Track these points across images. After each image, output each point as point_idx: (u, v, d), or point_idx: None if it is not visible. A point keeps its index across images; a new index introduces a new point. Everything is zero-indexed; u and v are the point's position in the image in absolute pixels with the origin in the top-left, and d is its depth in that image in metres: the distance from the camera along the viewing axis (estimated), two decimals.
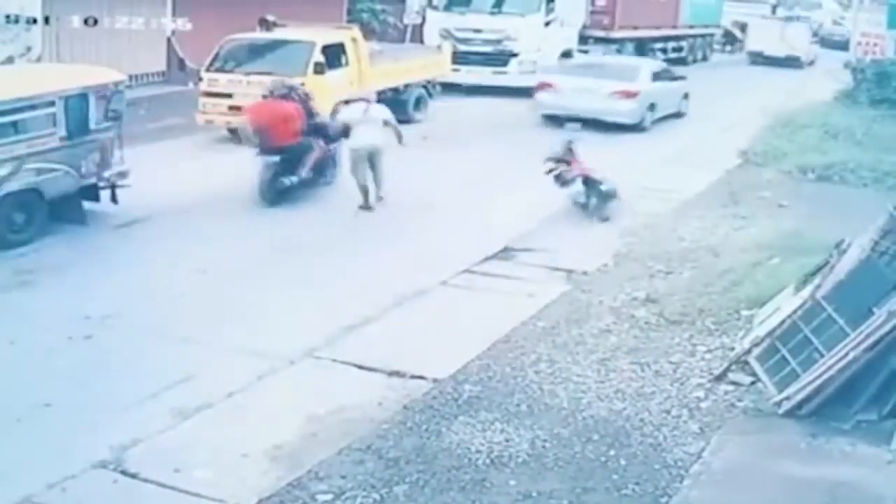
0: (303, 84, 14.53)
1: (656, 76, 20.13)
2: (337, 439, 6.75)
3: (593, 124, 16.79)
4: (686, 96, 21.25)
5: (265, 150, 12.80)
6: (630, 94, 18.77)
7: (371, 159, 12.79)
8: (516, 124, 18.87)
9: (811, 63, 34.20)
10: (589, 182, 12.56)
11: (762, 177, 15.50)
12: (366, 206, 12.76)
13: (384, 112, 13.21)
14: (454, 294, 9.95)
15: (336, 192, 13.72)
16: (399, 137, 13.21)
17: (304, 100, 13.51)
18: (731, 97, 23.67)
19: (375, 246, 11.27)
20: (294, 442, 6.73)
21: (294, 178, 12.88)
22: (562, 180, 12.61)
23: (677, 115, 20.77)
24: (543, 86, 19.66)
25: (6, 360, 7.88)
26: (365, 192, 12.77)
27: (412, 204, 13.12)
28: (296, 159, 12.91)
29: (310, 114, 13.43)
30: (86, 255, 10.60)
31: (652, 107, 19.41)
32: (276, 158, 12.75)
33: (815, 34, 36.10)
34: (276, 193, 12.73)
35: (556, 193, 13.60)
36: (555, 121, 17.27)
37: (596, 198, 12.59)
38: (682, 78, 21.61)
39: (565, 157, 12.69)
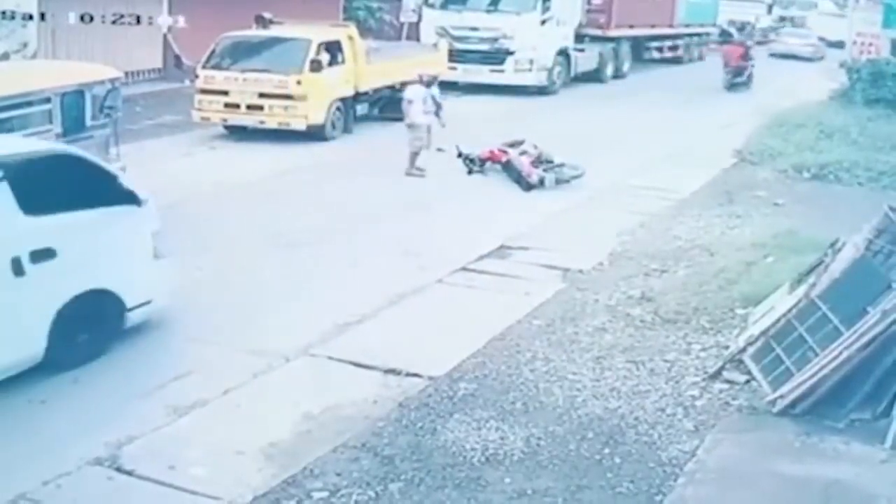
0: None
1: (818, 38, 40.90)
2: (332, 437, 6.76)
3: (795, 58, 37.94)
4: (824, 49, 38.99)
5: (726, 67, 27.42)
6: (814, 45, 39.90)
7: None
8: (512, 122, 18.86)
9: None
10: (509, 167, 14.66)
11: (757, 176, 15.53)
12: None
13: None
14: (450, 292, 9.96)
15: (336, 190, 13.74)
16: None
17: (746, 47, 28.74)
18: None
19: (371, 243, 11.26)
20: (289, 439, 6.73)
21: (737, 80, 27.08)
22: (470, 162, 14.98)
23: (822, 58, 37.22)
24: (777, 40, 41.91)
25: None
26: None
27: (408, 201, 13.13)
28: (740, 71, 27.31)
29: (747, 54, 28.05)
30: None
31: (815, 52, 38.96)
32: (732, 71, 27.23)
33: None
34: (731, 86, 26.92)
35: (556, 191, 13.70)
36: (779, 56, 38.45)
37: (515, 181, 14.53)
38: (823, 40, 40.42)
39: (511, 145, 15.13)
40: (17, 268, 7.15)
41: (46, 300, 7.42)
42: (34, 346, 7.36)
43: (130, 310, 8.13)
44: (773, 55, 38.31)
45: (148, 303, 8.33)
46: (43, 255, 7.31)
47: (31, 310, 7.31)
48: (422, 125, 14.95)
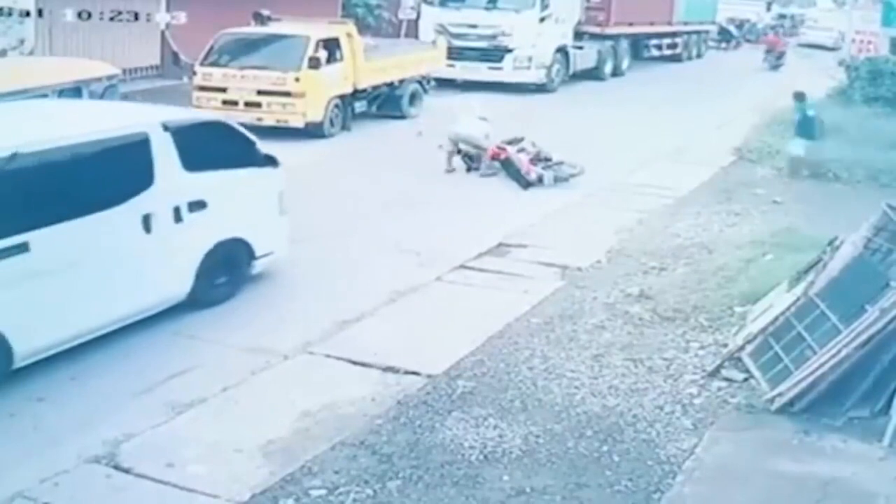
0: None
1: (838, 31, 39.94)
2: (330, 434, 6.75)
3: (820, 47, 39.92)
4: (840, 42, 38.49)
5: (771, 53, 33.14)
6: (834, 37, 39.11)
7: None
8: (510, 120, 18.84)
9: None
10: (506, 164, 14.61)
11: (756, 174, 15.54)
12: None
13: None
14: (449, 290, 9.95)
15: (334, 188, 13.72)
16: None
17: (784, 35, 39.16)
18: None
19: (369, 241, 11.26)
20: (287, 437, 6.73)
21: (779, 62, 32.48)
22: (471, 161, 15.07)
23: (840, 48, 33.67)
24: (805, 31, 45.68)
25: None
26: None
27: (406, 199, 13.12)
28: (781, 55, 32.98)
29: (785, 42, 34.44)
30: None
31: (836, 42, 38.10)
32: (776, 55, 32.76)
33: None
34: (771, 67, 32.02)
35: (554, 189, 13.67)
36: (806, 46, 41.51)
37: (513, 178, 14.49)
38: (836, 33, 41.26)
39: (509, 142, 14.99)
40: (178, 215, 8.34)
41: (197, 245, 8.62)
42: (183, 285, 8.55)
43: (257, 258, 9.31)
44: (800, 45, 41.73)
45: (271, 253, 9.50)
46: (197, 205, 8.49)
47: (184, 253, 8.50)
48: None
